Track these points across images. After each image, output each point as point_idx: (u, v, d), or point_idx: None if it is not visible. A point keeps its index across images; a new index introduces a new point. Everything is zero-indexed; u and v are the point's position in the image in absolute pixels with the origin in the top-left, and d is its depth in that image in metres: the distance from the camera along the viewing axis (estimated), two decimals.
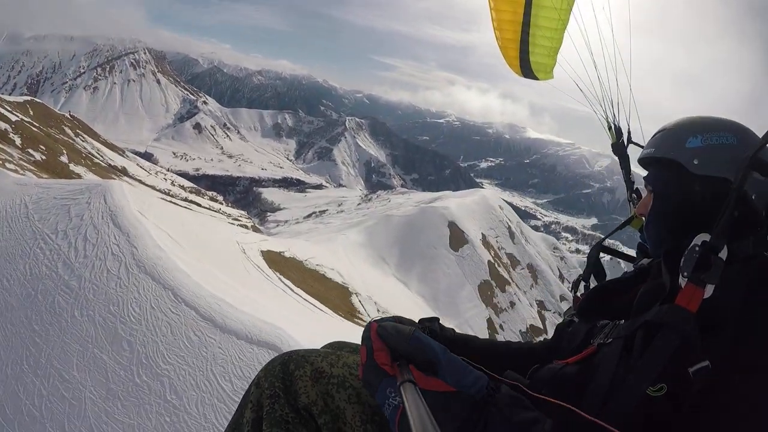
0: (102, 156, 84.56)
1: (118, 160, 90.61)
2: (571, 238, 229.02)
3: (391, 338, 1.20)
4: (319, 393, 1.35)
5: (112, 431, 3.14)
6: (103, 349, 3.69)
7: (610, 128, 2.72)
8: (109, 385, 3.41)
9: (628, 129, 2.68)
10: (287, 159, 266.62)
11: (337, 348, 1.66)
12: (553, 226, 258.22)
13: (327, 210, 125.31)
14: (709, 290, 1.04)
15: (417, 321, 1.60)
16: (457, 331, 1.71)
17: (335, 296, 25.54)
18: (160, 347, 3.68)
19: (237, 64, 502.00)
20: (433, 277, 72.74)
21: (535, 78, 3.28)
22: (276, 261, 20.98)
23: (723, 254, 1.07)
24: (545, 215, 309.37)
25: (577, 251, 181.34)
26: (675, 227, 1.33)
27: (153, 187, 75.49)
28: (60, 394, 3.41)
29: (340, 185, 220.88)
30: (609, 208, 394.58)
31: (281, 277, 18.33)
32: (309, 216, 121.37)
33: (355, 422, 1.31)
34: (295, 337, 3.83)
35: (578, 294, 1.65)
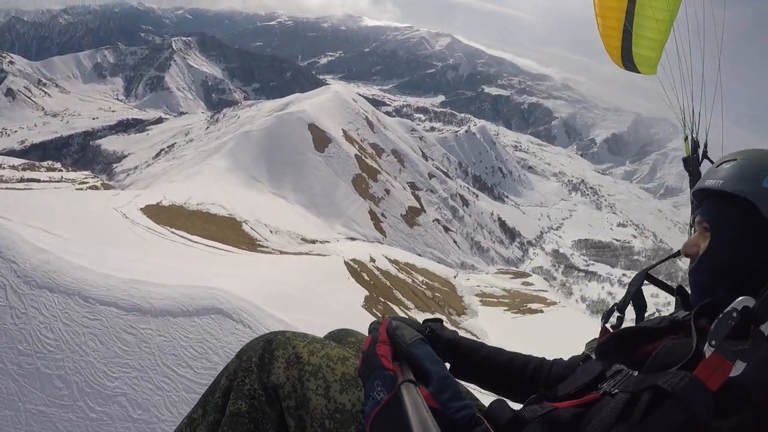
0: None
1: None
2: (423, 117, 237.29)
3: (396, 337, 1.22)
4: (290, 377, 1.36)
5: None
6: (35, 400, 2.98)
7: (686, 138, 2.46)
8: None
9: (705, 142, 2.38)
10: (118, 100, 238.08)
11: (337, 336, 1.65)
12: (404, 109, 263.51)
13: (175, 143, 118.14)
14: (739, 368, 0.90)
15: (422, 322, 1.56)
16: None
17: (230, 231, 25.07)
18: (97, 365, 3.02)
19: (37, 7, 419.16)
20: (307, 184, 73.24)
21: (637, 71, 3.11)
22: (159, 214, 19.86)
23: (766, 328, 0.93)
24: (394, 100, 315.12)
25: (432, 129, 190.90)
26: (732, 279, 1.12)
27: None
28: None
29: (182, 113, 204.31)
30: (454, 85, 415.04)
31: (173, 230, 17.39)
32: (158, 155, 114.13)
33: (315, 414, 1.32)
34: (229, 290, 3.45)
35: (608, 325, 1.43)
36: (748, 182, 1.11)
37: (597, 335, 1.33)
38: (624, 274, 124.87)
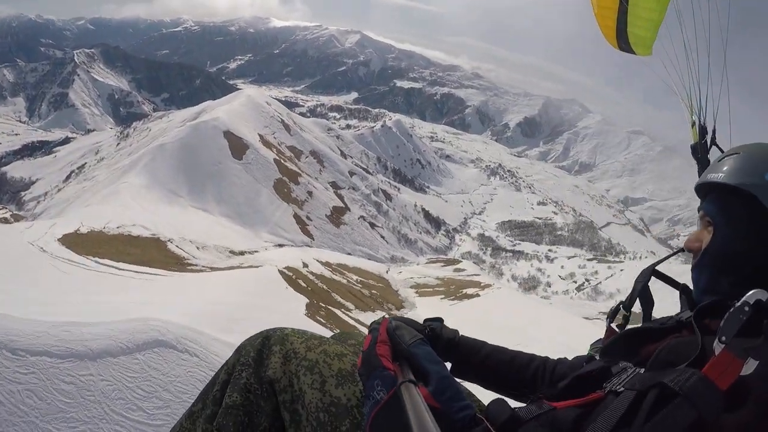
0: None
1: None
2: (338, 116, 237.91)
3: (396, 337, 1.23)
4: (287, 372, 1.38)
5: None
6: None
7: (693, 124, 2.42)
8: None
9: (714, 128, 2.34)
10: (20, 122, 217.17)
11: (339, 338, 1.65)
12: (318, 109, 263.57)
13: (86, 163, 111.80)
14: (751, 366, 0.87)
15: (422, 321, 1.55)
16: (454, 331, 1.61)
17: (156, 253, 23.96)
18: (40, 424, 2.78)
19: None
20: (229, 194, 71.36)
21: (632, 52, 3.07)
22: (78, 243, 18.66)
23: None
24: (308, 100, 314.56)
25: (348, 127, 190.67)
26: (736, 274, 1.11)
27: None
28: None
29: (89, 131, 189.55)
30: (366, 81, 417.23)
31: (97, 259, 16.36)
32: (69, 178, 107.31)
33: (310, 408, 1.33)
34: (169, 319, 3.31)
35: (613, 325, 1.40)
36: (751, 175, 1.11)
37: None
38: (550, 250, 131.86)
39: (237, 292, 12.01)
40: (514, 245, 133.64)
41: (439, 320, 1.59)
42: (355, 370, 1.38)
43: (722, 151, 1.33)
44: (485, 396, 1.45)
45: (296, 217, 76.45)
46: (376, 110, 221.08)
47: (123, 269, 15.11)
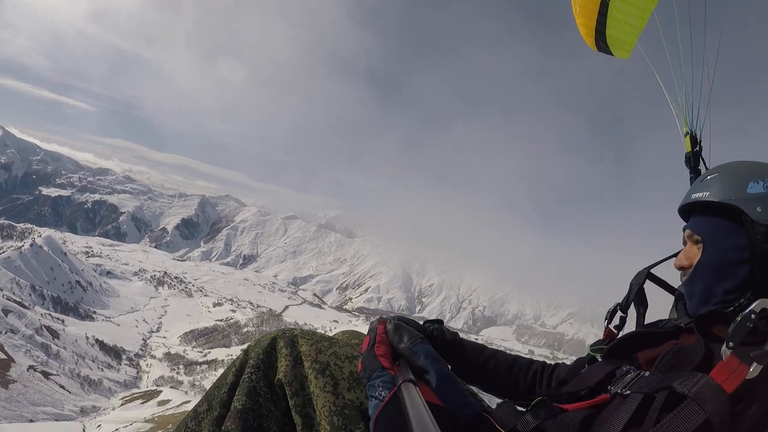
0: None
1: None
2: None
3: (394, 337, 1.26)
4: (298, 375, 1.37)
5: None
6: None
7: (687, 134, 2.43)
8: None
9: (700, 140, 2.39)
10: None
11: (350, 337, 1.68)
12: None
13: None
14: (756, 370, 0.94)
15: (422, 323, 1.60)
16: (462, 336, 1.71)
17: None
18: None
19: None
20: None
21: (610, 53, 3.03)
22: None
23: None
24: None
25: None
26: (729, 283, 1.18)
27: None
28: None
29: None
30: (8, 188, 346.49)
31: None
32: None
33: (323, 411, 1.31)
34: None
35: (611, 326, 1.53)
36: (735, 191, 1.20)
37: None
38: (242, 350, 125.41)
39: None
40: (205, 355, 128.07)
41: (439, 322, 1.63)
42: None
43: (707, 167, 1.55)
44: (487, 398, 1.51)
45: None
46: (22, 225, 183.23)
47: None
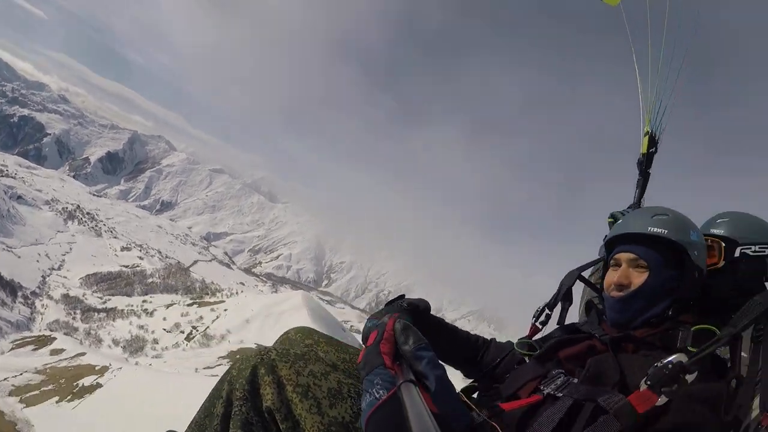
0: None
1: None
2: None
3: (401, 337, 1.27)
4: (284, 400, 1.39)
5: None
6: None
7: (646, 134, 2.47)
8: None
9: (657, 142, 2.49)
10: None
11: (303, 336, 1.80)
12: None
13: None
14: (662, 401, 1.17)
15: (403, 298, 1.63)
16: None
17: None
18: None
19: None
20: None
21: None
22: None
23: (690, 377, 1.18)
24: None
25: None
26: (661, 305, 1.51)
27: None
28: None
29: None
30: None
31: None
32: None
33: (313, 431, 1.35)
34: None
35: (538, 323, 1.78)
36: (684, 234, 1.52)
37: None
38: (144, 301, 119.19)
39: None
40: (105, 302, 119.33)
41: (424, 303, 1.66)
42: (341, 386, 1.44)
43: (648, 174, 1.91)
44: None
45: None
46: None
47: None
